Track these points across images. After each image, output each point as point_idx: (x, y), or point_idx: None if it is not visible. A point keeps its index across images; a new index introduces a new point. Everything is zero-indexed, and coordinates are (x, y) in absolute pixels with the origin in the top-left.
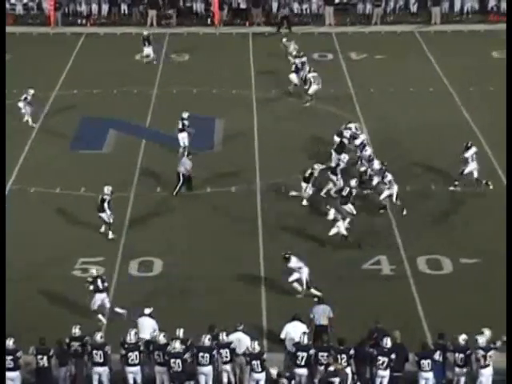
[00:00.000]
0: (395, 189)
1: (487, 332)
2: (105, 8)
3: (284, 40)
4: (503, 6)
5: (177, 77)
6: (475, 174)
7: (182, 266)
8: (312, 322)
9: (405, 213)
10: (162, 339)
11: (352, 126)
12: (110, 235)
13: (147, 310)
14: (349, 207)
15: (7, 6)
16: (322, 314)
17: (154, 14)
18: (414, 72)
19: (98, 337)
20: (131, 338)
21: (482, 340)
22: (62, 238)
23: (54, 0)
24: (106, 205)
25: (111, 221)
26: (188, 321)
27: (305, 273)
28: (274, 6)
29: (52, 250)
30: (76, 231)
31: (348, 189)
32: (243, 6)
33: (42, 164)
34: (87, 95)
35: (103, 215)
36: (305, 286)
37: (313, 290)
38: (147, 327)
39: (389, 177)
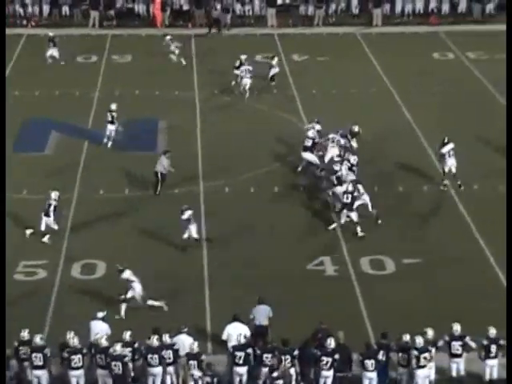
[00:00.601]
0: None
1: (430, 332)
2: (46, 9)
3: (167, 38)
4: (444, 7)
5: (119, 78)
6: (453, 170)
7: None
8: (252, 323)
9: (379, 222)
10: (103, 342)
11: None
12: (45, 239)
13: (100, 314)
14: (354, 214)
15: None
16: (263, 314)
17: (96, 16)
18: (355, 73)
19: (38, 339)
20: (74, 341)
21: (418, 340)
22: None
23: None
24: (51, 210)
25: (56, 227)
26: (134, 323)
27: (137, 289)
28: (217, 7)
29: None
30: (18, 234)
31: (350, 195)
32: (186, 7)
33: None
34: (29, 97)
35: (48, 220)
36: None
37: (151, 302)
38: (99, 331)
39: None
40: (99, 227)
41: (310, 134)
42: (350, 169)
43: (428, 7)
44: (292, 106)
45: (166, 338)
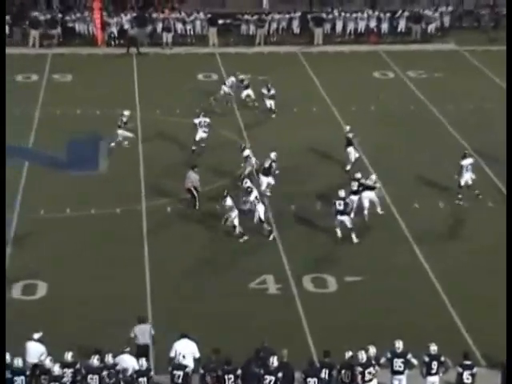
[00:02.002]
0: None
1: (372, 349)
2: None
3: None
4: (383, 27)
5: (60, 97)
6: (470, 183)
7: (68, 288)
8: (132, 341)
9: (271, 238)
10: (48, 363)
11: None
12: None
13: (36, 335)
14: (347, 218)
15: None
16: (145, 333)
17: (37, 35)
18: (297, 92)
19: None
20: (19, 362)
21: (361, 356)
22: None
23: None
24: None
25: None
26: (75, 344)
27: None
28: (159, 26)
29: None
30: None
31: (342, 201)
32: (127, 26)
33: None
34: None
35: None
36: None
37: None
38: (35, 352)
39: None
40: (40, 247)
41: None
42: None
43: (368, 26)
44: (235, 126)
45: (109, 358)
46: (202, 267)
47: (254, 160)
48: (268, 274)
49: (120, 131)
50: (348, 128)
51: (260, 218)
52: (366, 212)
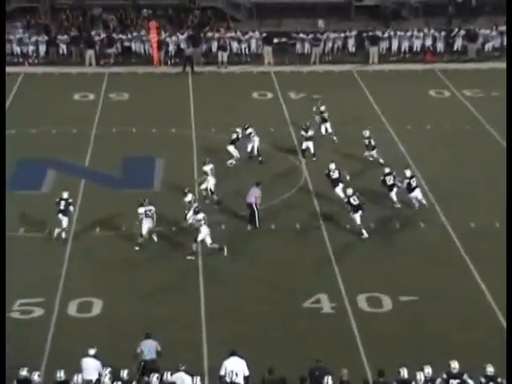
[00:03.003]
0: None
1: (427, 369)
2: (42, 49)
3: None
4: (439, 46)
5: (116, 116)
6: None
7: (122, 306)
8: (138, 357)
9: (225, 254)
10: (107, 381)
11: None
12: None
13: (92, 351)
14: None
15: None
16: (151, 348)
17: (92, 54)
18: (352, 111)
19: (36, 376)
20: (78, 379)
21: (419, 376)
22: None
23: None
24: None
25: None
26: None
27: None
28: (214, 45)
29: None
30: (14, 272)
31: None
32: (183, 45)
33: None
34: (26, 135)
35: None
36: None
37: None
38: (92, 368)
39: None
40: (95, 265)
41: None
42: None
43: (424, 45)
44: (289, 144)
45: (167, 376)
46: (255, 286)
47: (257, 139)
48: (322, 293)
49: (231, 148)
50: (368, 133)
51: (203, 240)
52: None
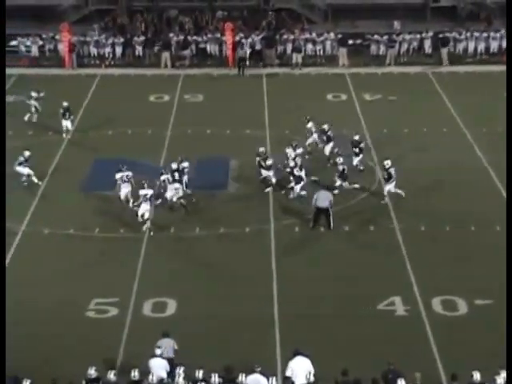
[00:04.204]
0: None
1: (503, 374)
2: (118, 50)
3: None
4: None
5: (191, 117)
6: None
7: (196, 306)
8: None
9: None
10: (181, 381)
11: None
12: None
13: (158, 351)
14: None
15: (23, 48)
16: (167, 347)
17: (168, 56)
18: (427, 112)
19: (112, 375)
20: (135, 374)
21: (500, 380)
22: (76, 279)
23: (69, 42)
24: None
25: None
26: (207, 362)
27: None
28: (289, 46)
29: (65, 291)
30: (89, 272)
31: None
32: (258, 47)
33: (55, 205)
34: (101, 136)
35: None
36: None
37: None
38: (159, 368)
39: None
40: (170, 265)
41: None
42: None
43: (501, 46)
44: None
45: (242, 378)
46: (328, 288)
47: (316, 135)
48: (396, 296)
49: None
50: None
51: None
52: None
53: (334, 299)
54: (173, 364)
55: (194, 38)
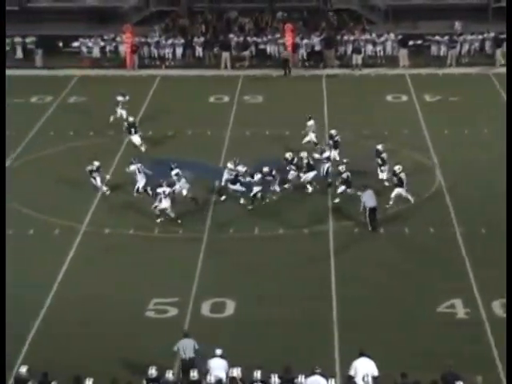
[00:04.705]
0: None
1: None
2: (179, 51)
3: None
4: None
5: (250, 118)
6: None
7: (254, 307)
8: (177, 356)
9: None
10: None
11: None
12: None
13: (218, 351)
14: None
15: (84, 49)
16: (189, 347)
17: (227, 57)
18: (488, 114)
19: (170, 374)
20: (194, 374)
21: None
22: (135, 279)
23: (131, 43)
24: None
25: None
26: (264, 363)
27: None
28: (349, 47)
29: (125, 291)
30: (149, 272)
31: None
32: (318, 48)
33: (115, 205)
34: (162, 136)
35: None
36: None
37: None
38: (219, 368)
39: None
40: (229, 265)
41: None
42: None
43: None
44: (423, 147)
45: (302, 379)
46: (387, 290)
47: (313, 135)
48: (456, 298)
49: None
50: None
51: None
52: None
53: (392, 301)
54: (193, 364)
55: (254, 39)
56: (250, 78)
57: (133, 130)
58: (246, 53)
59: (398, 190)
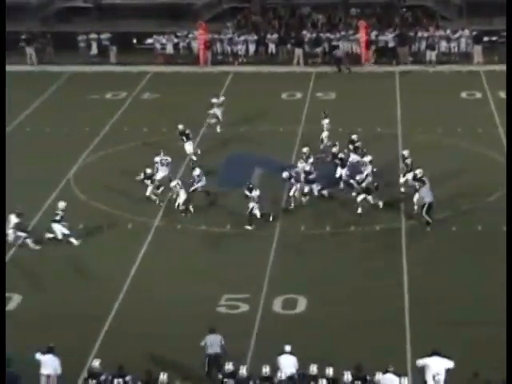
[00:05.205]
0: None
1: None
2: (251, 48)
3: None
4: None
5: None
6: None
7: (325, 304)
8: (205, 351)
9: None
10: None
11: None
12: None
13: (288, 348)
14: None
15: (158, 46)
16: (215, 342)
17: (300, 53)
18: None
19: (244, 371)
20: (266, 371)
21: None
22: (207, 274)
23: (204, 40)
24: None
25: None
26: (337, 360)
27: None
28: (422, 44)
29: (196, 286)
30: (220, 268)
31: None
32: (391, 44)
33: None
34: (234, 133)
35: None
36: None
37: None
38: (289, 365)
39: None
40: (300, 262)
41: None
42: None
43: None
44: (498, 145)
45: (379, 376)
46: (459, 288)
47: (327, 133)
48: None
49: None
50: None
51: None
52: None
53: (462, 300)
54: (220, 360)
55: (327, 35)
56: (322, 75)
57: (184, 137)
58: (319, 49)
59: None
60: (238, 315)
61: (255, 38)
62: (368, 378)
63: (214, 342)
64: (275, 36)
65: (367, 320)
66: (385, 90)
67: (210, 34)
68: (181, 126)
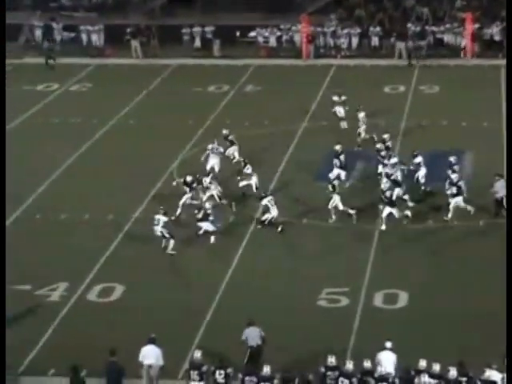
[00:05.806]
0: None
1: None
2: (354, 41)
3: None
4: None
5: (426, 108)
6: None
7: (427, 298)
8: (245, 345)
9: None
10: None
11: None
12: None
13: (388, 344)
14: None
15: (261, 39)
16: (255, 335)
17: (403, 47)
18: None
19: (351, 365)
20: (368, 365)
21: None
22: (308, 267)
23: (307, 33)
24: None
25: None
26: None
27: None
28: None
29: (297, 280)
30: (321, 261)
31: None
32: (497, 38)
33: (289, 194)
34: (337, 127)
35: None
36: None
37: None
38: (388, 362)
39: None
40: (402, 257)
41: None
42: None
43: None
44: None
45: (490, 372)
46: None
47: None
48: None
49: None
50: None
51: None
52: None
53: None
54: (261, 352)
55: (432, 28)
56: (426, 68)
57: (228, 143)
58: (424, 42)
59: (456, 200)
60: (339, 309)
61: (358, 31)
62: (470, 374)
63: (253, 335)
64: (378, 29)
65: (467, 316)
66: (490, 83)
67: (312, 27)
68: (225, 131)
